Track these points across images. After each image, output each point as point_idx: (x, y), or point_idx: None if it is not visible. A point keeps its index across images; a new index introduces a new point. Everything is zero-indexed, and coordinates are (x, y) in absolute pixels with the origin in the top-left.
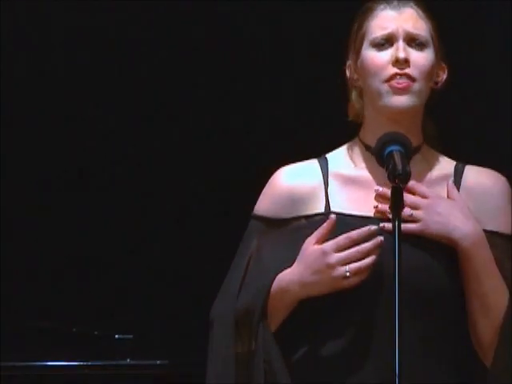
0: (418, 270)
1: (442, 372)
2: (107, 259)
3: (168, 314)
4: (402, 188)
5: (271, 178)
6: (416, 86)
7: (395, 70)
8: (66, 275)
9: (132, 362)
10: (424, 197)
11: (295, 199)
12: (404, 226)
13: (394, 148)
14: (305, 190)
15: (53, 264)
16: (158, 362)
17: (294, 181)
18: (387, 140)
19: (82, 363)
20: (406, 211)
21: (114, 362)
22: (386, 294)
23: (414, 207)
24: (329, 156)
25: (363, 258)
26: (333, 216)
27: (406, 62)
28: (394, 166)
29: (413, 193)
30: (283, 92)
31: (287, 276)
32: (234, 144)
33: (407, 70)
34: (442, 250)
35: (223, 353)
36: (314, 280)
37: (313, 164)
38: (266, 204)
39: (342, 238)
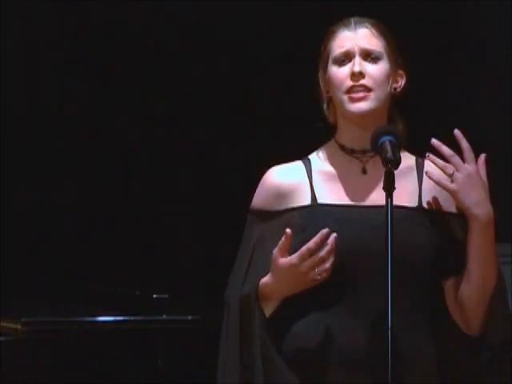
0: (405, 244)
1: (419, 332)
2: (147, 230)
3: (198, 276)
4: (393, 172)
5: (263, 178)
6: (372, 94)
7: (353, 83)
8: (113, 245)
9: (167, 318)
10: (468, 163)
11: (283, 194)
12: (441, 180)
13: (386, 138)
14: (291, 186)
15: (101, 236)
16: (190, 317)
17: (282, 178)
18: (380, 131)
19: (125, 318)
20: (449, 169)
21: (152, 318)
22: (373, 265)
23: (457, 168)
24: (310, 157)
25: (326, 258)
26: (288, 231)
27: (360, 75)
28: (386, 154)
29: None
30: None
31: (268, 285)
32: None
33: (363, 82)
34: (429, 230)
35: (231, 332)
36: (291, 286)
37: (298, 164)
38: (260, 199)
39: (304, 250)
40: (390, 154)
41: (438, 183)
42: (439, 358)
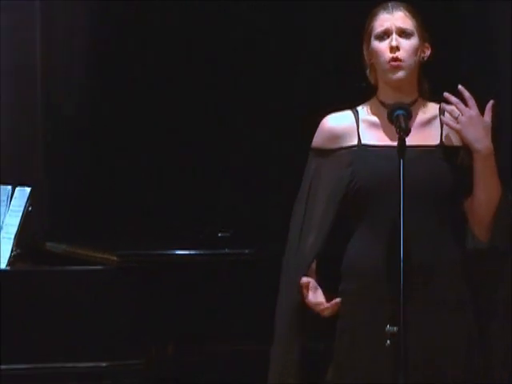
0: (431, 175)
1: (445, 244)
2: (220, 177)
3: (255, 216)
4: (405, 138)
5: (321, 123)
6: (404, 64)
7: (391, 55)
8: (188, 195)
9: (229, 251)
10: (470, 108)
11: (336, 136)
12: (449, 121)
13: (399, 112)
14: (343, 130)
15: (179, 185)
16: (247, 251)
17: (336, 123)
18: (395, 107)
19: (196, 252)
20: (455, 113)
21: (217, 251)
22: (399, 197)
23: (462, 113)
24: (358, 108)
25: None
26: (338, 300)
27: (397, 48)
28: (400, 125)
29: (465, 103)
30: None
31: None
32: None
33: (398, 54)
34: (448, 161)
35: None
36: None
37: (348, 113)
38: (318, 140)
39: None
40: (402, 125)
41: (446, 124)
42: (465, 266)
